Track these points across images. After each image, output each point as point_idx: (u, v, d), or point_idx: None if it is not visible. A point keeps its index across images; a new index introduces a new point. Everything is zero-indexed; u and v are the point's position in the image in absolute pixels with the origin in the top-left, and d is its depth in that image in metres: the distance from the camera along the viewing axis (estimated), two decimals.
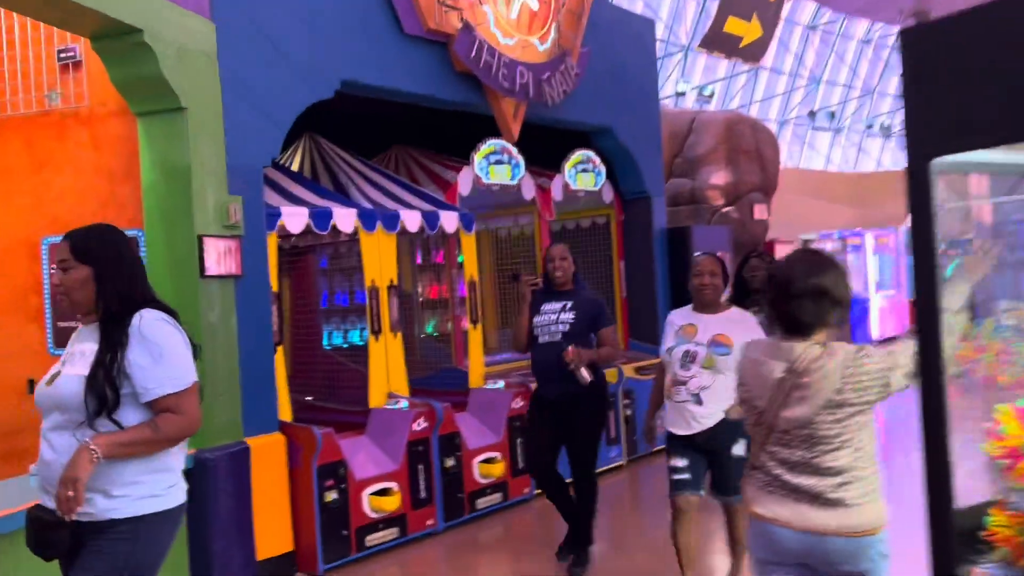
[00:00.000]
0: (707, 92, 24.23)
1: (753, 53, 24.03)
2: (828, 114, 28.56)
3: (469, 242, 6.15)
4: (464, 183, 6.33)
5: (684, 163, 11.52)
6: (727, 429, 3.69)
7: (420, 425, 5.10)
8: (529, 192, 6.86)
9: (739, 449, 3.69)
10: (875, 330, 15.91)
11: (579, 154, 7.28)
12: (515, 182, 6.57)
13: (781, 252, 12.16)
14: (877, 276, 16.30)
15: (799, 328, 2.32)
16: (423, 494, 5.14)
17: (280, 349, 4.88)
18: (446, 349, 6.76)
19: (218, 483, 4.21)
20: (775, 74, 26.65)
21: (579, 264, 5.00)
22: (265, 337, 4.69)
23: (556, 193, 7.18)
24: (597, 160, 7.42)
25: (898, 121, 31.20)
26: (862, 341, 15.68)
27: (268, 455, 4.56)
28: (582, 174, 7.33)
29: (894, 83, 30.57)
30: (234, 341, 4.50)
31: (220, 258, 4.44)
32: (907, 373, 2.22)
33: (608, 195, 7.71)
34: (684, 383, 3.74)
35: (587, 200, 7.71)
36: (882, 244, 16.76)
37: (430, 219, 5.72)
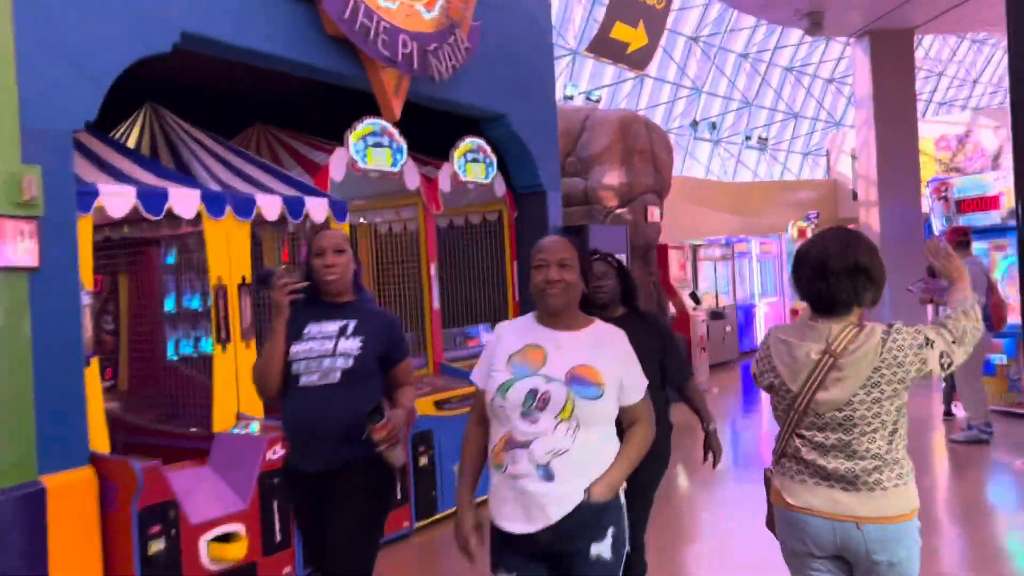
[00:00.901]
0: (594, 97, 24.06)
1: (639, 60, 24.00)
2: (709, 124, 29.04)
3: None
4: (336, 167, 5.46)
5: (577, 162, 10.98)
6: (588, 519, 2.30)
7: (276, 453, 4.18)
8: (413, 181, 6.05)
9: (603, 549, 2.32)
10: (761, 336, 15.92)
11: (469, 142, 6.53)
12: (397, 168, 5.75)
13: (674, 257, 11.78)
14: (761, 283, 16.35)
15: (835, 307, 2.26)
16: (279, 537, 4.22)
17: (94, 363, 3.87)
18: None
19: None
20: (659, 83, 26.85)
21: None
22: (71, 347, 3.67)
23: (444, 184, 6.41)
24: (488, 149, 6.69)
25: (773, 133, 32.20)
26: (748, 347, 15.80)
27: (72, 497, 3.56)
28: (472, 164, 6.58)
29: (770, 96, 31.49)
30: (26, 352, 3.48)
31: (8, 245, 3.42)
32: (949, 343, 2.21)
33: (500, 189, 6.99)
34: (525, 445, 2.30)
35: (477, 194, 6.97)
36: (766, 251, 16.84)
37: (293, 206, 4.82)
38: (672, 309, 11.58)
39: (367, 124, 5.48)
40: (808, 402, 2.24)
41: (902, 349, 2.21)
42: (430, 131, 6.45)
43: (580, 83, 23.98)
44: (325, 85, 5.56)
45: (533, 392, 2.31)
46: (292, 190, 4.98)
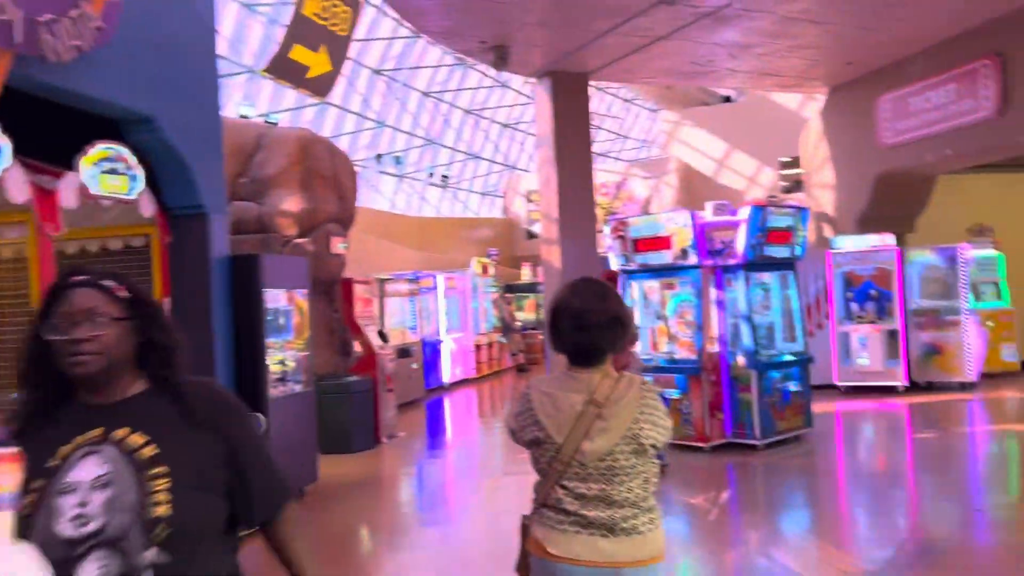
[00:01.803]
0: (273, 120, 22.65)
1: (320, 86, 23.10)
2: (394, 159, 28.90)
3: None
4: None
5: (251, 184, 9.78)
6: None
7: None
8: (19, 193, 4.60)
9: None
10: (447, 373, 15.66)
11: (103, 148, 5.19)
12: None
13: (360, 292, 10.97)
14: (447, 319, 16.15)
15: (593, 357, 2.33)
16: None
17: None
18: None
19: None
20: (344, 112, 26.16)
21: None
22: None
23: (67, 199, 4.99)
24: (132, 159, 5.38)
25: (455, 172, 33.03)
26: (435, 384, 15.49)
27: None
28: (109, 176, 5.23)
29: (451, 136, 32.25)
30: None
31: None
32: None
33: (149, 208, 5.68)
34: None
35: (119, 213, 5.60)
36: (452, 287, 16.73)
37: None
38: (358, 348, 10.74)
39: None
40: (574, 453, 2.27)
41: (657, 408, 2.33)
42: (50, 129, 5.03)
43: (258, 104, 22.46)
44: None
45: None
46: None
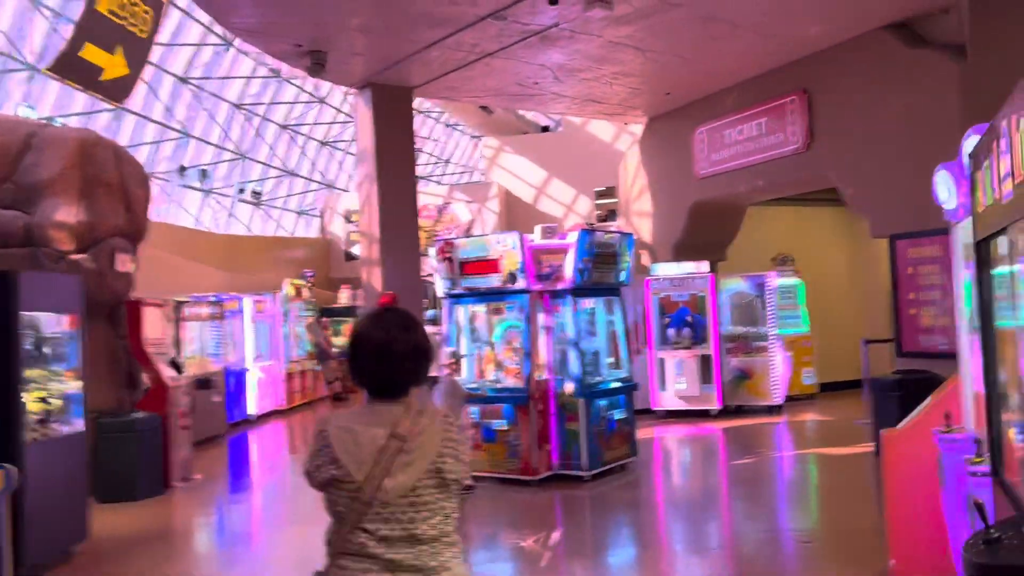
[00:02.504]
0: (59, 125, 20.35)
1: (116, 90, 21.11)
2: (199, 172, 26.94)
3: None
4: None
5: (17, 190, 8.40)
6: None
7: None
8: None
9: None
10: (253, 404, 14.42)
11: None
12: None
13: (152, 317, 9.73)
14: (255, 345, 14.95)
15: (396, 390, 2.26)
16: None
17: None
18: None
19: None
20: (143, 121, 24.07)
21: None
22: None
23: None
24: None
25: (268, 189, 31.37)
26: (240, 417, 14.20)
27: None
28: None
29: (265, 151, 30.65)
30: None
31: None
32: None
33: None
34: None
35: None
36: (261, 311, 15.53)
37: None
38: (147, 380, 9.49)
39: None
40: (376, 491, 2.17)
41: (460, 442, 2.27)
42: None
43: (41, 107, 20.09)
44: None
45: None
46: None
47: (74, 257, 8.64)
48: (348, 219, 29.57)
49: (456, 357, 8.09)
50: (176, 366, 9.73)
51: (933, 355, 8.81)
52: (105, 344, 9.11)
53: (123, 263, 9.14)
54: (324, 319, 20.02)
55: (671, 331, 12.45)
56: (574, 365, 8.22)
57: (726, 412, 12.40)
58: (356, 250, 29.13)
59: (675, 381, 12.19)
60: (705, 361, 12.41)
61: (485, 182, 30.02)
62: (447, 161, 40.81)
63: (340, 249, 29.20)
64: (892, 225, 9.33)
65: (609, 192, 27.91)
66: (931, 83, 8.75)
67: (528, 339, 8.18)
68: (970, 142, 3.37)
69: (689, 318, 12.44)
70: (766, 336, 12.58)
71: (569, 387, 8.24)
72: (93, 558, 6.37)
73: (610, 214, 20.38)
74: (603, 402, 8.44)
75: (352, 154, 35.79)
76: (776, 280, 12.98)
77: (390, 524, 2.18)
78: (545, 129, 35.05)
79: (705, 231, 12.88)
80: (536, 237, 8.28)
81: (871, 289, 15.12)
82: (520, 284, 8.13)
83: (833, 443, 9.83)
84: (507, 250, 8.13)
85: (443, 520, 2.23)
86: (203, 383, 11.98)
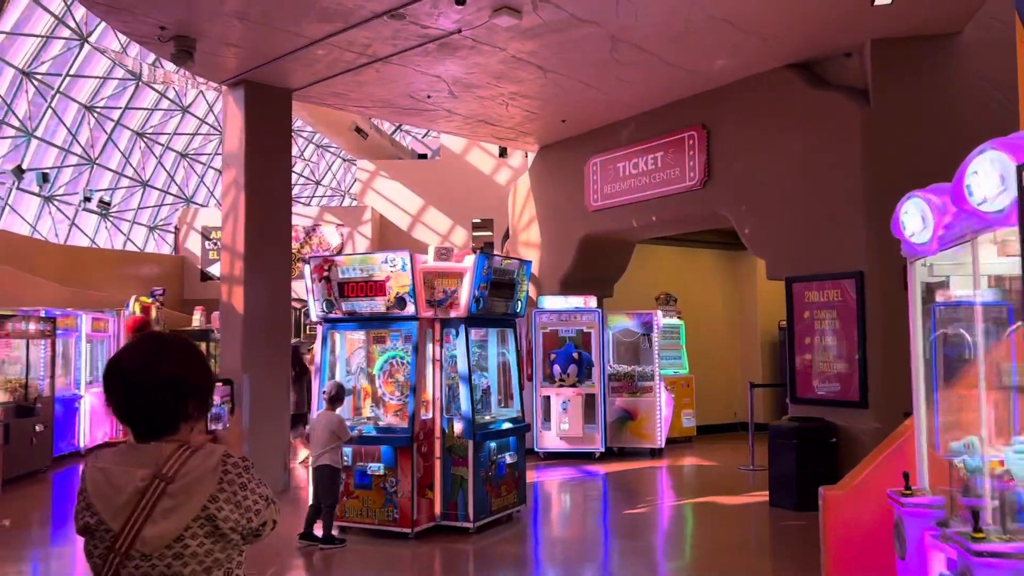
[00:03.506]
0: None
1: None
2: (39, 175, 24.41)
3: None
4: None
5: None
6: None
7: None
8: None
9: None
10: (84, 436, 12.69)
11: None
12: None
13: None
14: (90, 369, 13.24)
15: (157, 427, 1.98)
16: None
17: None
18: None
19: None
20: None
21: None
22: None
23: None
24: None
25: (118, 200, 28.91)
26: (68, 449, 12.46)
27: None
28: None
29: (117, 158, 28.32)
30: None
31: None
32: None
33: None
34: None
35: None
36: (99, 329, 13.83)
37: None
38: None
39: None
40: (133, 540, 1.86)
41: (243, 485, 1.96)
42: None
43: None
44: None
45: None
46: None
47: None
48: (206, 236, 27.63)
49: (337, 391, 7.12)
50: None
51: (827, 402, 8.60)
52: None
53: None
54: None
55: (556, 367, 11.86)
56: (464, 402, 7.41)
57: (609, 454, 11.90)
58: (214, 270, 27.22)
59: (560, 421, 11.57)
60: (590, 400, 11.90)
61: (358, 206, 28.92)
62: (317, 183, 39.25)
63: (196, 268, 27.19)
64: (788, 267, 9.14)
65: (486, 224, 27.50)
66: (833, 125, 8.65)
67: (415, 372, 7.32)
68: (984, 160, 2.87)
69: (576, 355, 11.91)
70: (651, 376, 12.22)
71: (458, 427, 7.42)
72: None
73: (486, 247, 19.81)
74: (493, 444, 7.66)
75: (215, 168, 33.78)
76: (662, 319, 12.69)
77: None
78: (422, 157, 34.39)
79: (594, 265, 12.43)
80: (429, 259, 7.47)
81: (748, 332, 15.19)
82: (409, 310, 7.28)
83: (723, 491, 9.45)
84: (395, 271, 7.27)
85: None
86: (24, 411, 10.34)
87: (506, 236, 16.18)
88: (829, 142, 8.69)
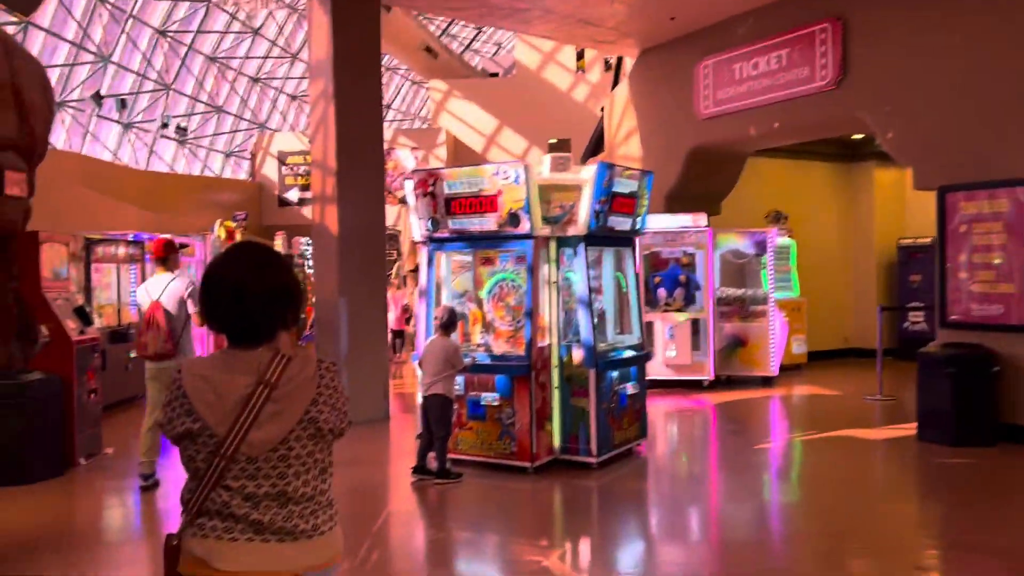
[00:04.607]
0: None
1: (21, 3, 18.54)
2: (118, 102, 24.29)
3: None
4: None
5: None
6: None
7: None
8: None
9: None
10: None
11: None
12: None
13: (54, 255, 7.83)
14: None
15: (258, 334, 2.06)
16: None
17: None
18: None
19: None
20: (54, 39, 21.37)
21: None
22: None
23: None
24: None
25: (194, 126, 28.75)
26: None
27: None
28: None
29: (191, 83, 28.05)
30: None
31: None
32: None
33: None
34: None
35: None
36: (187, 255, 13.57)
37: None
38: (44, 333, 7.64)
39: None
40: (239, 444, 1.95)
41: (336, 389, 2.10)
42: None
43: None
44: None
45: None
46: None
47: None
48: (282, 162, 27.32)
49: (450, 316, 6.51)
50: (83, 316, 7.88)
51: (987, 327, 7.65)
52: None
53: (12, 184, 7.18)
54: None
55: (661, 291, 11.08)
56: (584, 329, 6.74)
57: (716, 383, 11.18)
58: (291, 196, 26.98)
59: (665, 348, 10.85)
60: (696, 326, 11.13)
61: (432, 128, 28.16)
62: (387, 106, 38.55)
63: (273, 194, 27.02)
64: (941, 175, 8.07)
65: (563, 144, 26.51)
66: (1001, 2, 7.43)
67: (530, 296, 6.65)
68: None
69: (682, 277, 11.09)
70: (764, 299, 11.34)
71: (578, 355, 6.76)
72: None
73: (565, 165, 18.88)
74: (615, 373, 7.00)
75: (287, 93, 33.32)
76: (779, 238, 11.72)
77: (257, 480, 1.98)
78: (493, 76, 33.21)
79: (702, 180, 11.48)
80: (544, 170, 6.70)
81: (862, 252, 14.07)
82: (523, 227, 6.56)
83: (855, 423, 8.65)
84: (508, 184, 6.54)
85: (318, 476, 2.06)
86: (119, 337, 10.12)
87: (585, 157, 15.26)
88: (1001, 23, 7.48)
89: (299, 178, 26.92)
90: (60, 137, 22.10)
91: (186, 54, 26.79)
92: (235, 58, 29.62)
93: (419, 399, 6.73)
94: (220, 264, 2.10)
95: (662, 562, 4.96)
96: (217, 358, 2.07)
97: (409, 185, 7.14)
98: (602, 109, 21.72)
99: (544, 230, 6.69)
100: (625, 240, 7.54)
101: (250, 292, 2.02)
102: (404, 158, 25.96)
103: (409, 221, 7.28)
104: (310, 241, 20.67)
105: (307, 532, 2.01)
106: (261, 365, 2.01)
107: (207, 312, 2.07)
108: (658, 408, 9.64)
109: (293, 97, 33.59)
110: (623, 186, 7.08)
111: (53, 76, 21.51)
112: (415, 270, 13.12)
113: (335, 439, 2.10)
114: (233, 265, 2.07)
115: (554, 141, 7.17)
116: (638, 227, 7.51)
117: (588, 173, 6.67)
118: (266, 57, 30.91)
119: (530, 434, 6.56)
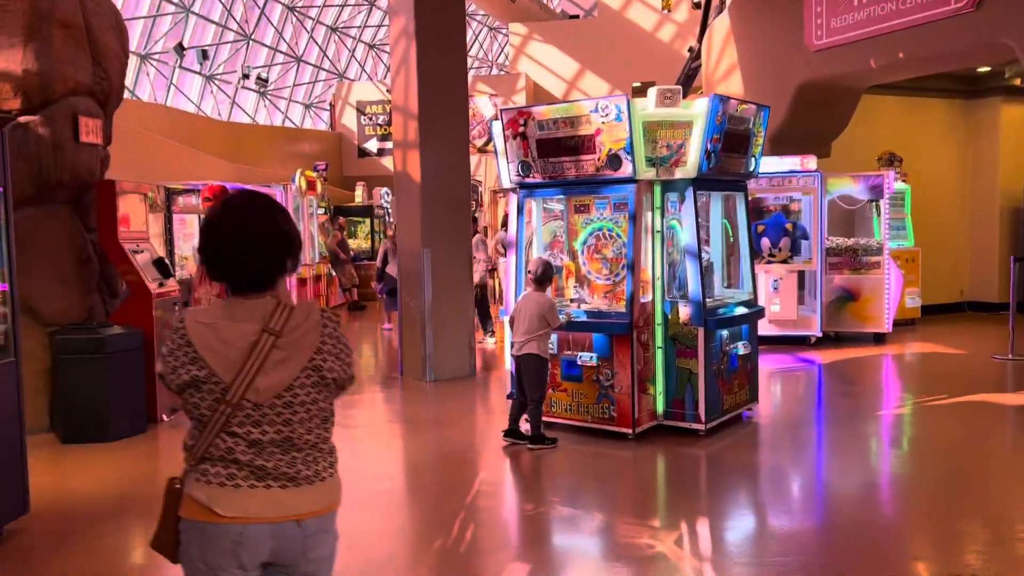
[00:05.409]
0: None
1: None
2: (200, 52, 24.28)
3: None
4: None
5: None
6: None
7: None
8: None
9: None
10: None
11: None
12: None
13: (131, 205, 7.58)
14: None
15: (260, 282, 2.06)
16: None
17: None
18: None
19: None
20: None
21: None
22: None
23: None
24: None
25: (274, 77, 28.66)
26: None
27: None
28: None
29: (271, 34, 27.86)
30: None
31: None
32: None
33: None
34: None
35: None
36: None
37: None
38: (123, 285, 7.44)
39: None
40: (246, 390, 1.98)
41: (340, 339, 2.11)
42: None
43: None
44: None
45: None
46: None
47: (21, 119, 6.45)
48: (361, 112, 27.06)
49: (544, 270, 5.96)
50: (164, 268, 7.64)
51: None
52: (68, 237, 7.01)
53: (89, 131, 6.92)
54: (340, 219, 17.83)
55: (765, 240, 10.27)
56: (693, 283, 6.09)
57: (825, 339, 10.37)
58: (371, 146, 26.72)
59: (769, 301, 10.08)
60: (802, 278, 10.31)
61: (510, 74, 27.37)
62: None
63: (353, 144, 26.83)
64: None
65: (644, 89, 25.42)
66: None
67: (632, 247, 6.03)
68: None
69: (788, 225, 10.25)
70: (878, 250, 10.41)
71: (684, 312, 6.14)
72: (37, 541, 4.45)
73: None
74: (725, 332, 6.35)
75: (365, 42, 32.89)
76: (894, 183, 10.72)
77: (262, 427, 2.00)
78: (574, 18, 32.01)
79: (811, 120, 10.52)
80: (649, 105, 6.01)
81: (984, 198, 12.87)
82: (626, 170, 5.92)
83: (989, 387, 7.81)
84: (608, 122, 5.88)
85: (321, 425, 2.08)
86: None
87: None
88: None
89: (378, 128, 26.63)
90: (146, 90, 22.23)
91: (265, 3, 26.59)
92: (313, 7, 29.30)
93: (508, 359, 6.24)
94: (221, 214, 2.09)
95: (789, 549, 4.37)
96: (220, 306, 2.07)
97: (497, 127, 6.56)
98: (690, 49, 20.56)
99: (648, 173, 6.02)
100: (736, 184, 6.81)
101: (252, 240, 2.02)
102: (483, 105, 25.34)
103: (486, 171, 6.71)
104: (388, 191, 20.40)
105: (309, 478, 2.02)
106: (265, 313, 2.03)
107: (209, 260, 2.06)
108: (763, 368, 8.93)
109: (371, 46, 33.16)
110: (738, 122, 6.33)
111: (136, 28, 21.57)
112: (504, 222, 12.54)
113: (338, 390, 2.11)
114: (234, 214, 2.06)
115: (638, 85, 6.45)
116: (752, 169, 6.77)
117: (700, 107, 5.95)
118: (343, 5, 30.50)
119: (631, 398, 6.00)
